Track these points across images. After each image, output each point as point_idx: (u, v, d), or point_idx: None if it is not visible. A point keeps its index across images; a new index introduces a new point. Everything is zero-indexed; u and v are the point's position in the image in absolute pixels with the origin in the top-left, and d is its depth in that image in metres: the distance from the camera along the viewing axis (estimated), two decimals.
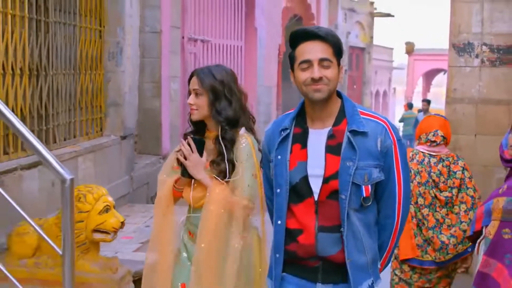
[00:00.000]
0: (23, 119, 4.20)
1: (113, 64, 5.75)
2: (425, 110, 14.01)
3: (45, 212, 4.08)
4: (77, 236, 3.42)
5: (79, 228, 3.38)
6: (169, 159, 2.75)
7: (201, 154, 2.58)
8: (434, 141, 3.52)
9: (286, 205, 2.15)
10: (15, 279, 2.98)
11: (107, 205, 3.49)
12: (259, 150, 2.50)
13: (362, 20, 19.42)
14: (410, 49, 27.48)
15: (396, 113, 26.26)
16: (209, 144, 2.59)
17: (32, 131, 4.27)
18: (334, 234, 2.09)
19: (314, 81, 2.07)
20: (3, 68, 4.05)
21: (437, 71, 27.62)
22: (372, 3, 20.33)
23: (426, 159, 3.53)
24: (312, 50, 2.09)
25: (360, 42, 19.51)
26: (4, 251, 3.62)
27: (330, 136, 2.12)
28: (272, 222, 2.31)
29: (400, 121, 16.08)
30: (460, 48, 5.01)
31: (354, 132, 2.09)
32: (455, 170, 3.48)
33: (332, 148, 2.11)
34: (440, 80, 26.04)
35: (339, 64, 2.15)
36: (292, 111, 2.23)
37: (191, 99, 2.57)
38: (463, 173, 3.47)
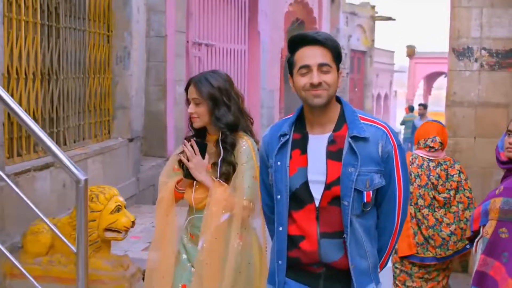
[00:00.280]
0: (35, 122, 4.32)
1: (121, 68, 5.88)
2: (421, 114, 14.06)
3: (56, 212, 4.20)
4: (90, 235, 3.52)
5: (91, 227, 3.48)
6: (170, 162, 2.81)
7: (203, 157, 2.63)
8: (433, 147, 3.76)
9: (287, 212, 2.12)
10: (31, 276, 3.11)
11: (119, 205, 3.61)
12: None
13: (363, 24, 19.50)
14: (411, 52, 27.55)
15: (397, 116, 26.33)
16: (211, 147, 2.65)
17: None
18: (336, 240, 2.08)
19: (313, 86, 2.05)
20: (17, 73, 4.17)
21: (438, 74, 27.66)
22: (373, 7, 20.39)
23: (425, 163, 3.76)
24: (311, 55, 2.06)
25: (362, 46, 19.58)
26: (19, 249, 3.72)
27: (331, 142, 2.10)
28: (268, 227, 2.35)
29: (401, 124, 16.14)
30: (460, 52, 5.09)
31: (355, 138, 2.07)
32: (452, 174, 3.72)
33: (333, 154, 2.09)
34: (441, 83, 26.08)
35: (338, 69, 2.12)
36: (290, 116, 2.21)
37: (191, 108, 2.62)
38: (459, 176, 3.72)
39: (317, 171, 2.09)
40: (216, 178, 2.61)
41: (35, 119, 4.42)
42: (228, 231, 2.60)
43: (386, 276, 2.52)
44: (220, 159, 2.61)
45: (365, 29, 19.65)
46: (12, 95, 4.01)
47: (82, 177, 2.96)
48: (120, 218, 3.56)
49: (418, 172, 3.73)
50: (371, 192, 2.08)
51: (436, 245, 3.69)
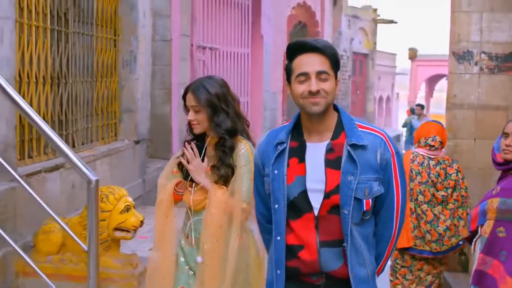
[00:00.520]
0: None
1: (127, 72, 5.99)
2: (419, 114, 14.15)
3: (65, 213, 4.30)
4: (100, 234, 3.60)
5: (101, 226, 3.57)
6: (169, 164, 2.86)
7: (202, 160, 2.70)
8: (433, 146, 3.96)
9: (285, 221, 2.09)
10: (43, 274, 3.20)
11: (128, 205, 3.71)
12: None
13: (365, 27, 19.59)
14: (413, 54, 27.66)
15: (399, 118, 26.39)
16: (210, 151, 2.71)
17: None
18: (336, 249, 2.07)
19: (312, 94, 2.03)
20: (28, 77, 4.28)
21: (439, 76, 27.71)
22: (375, 10, 20.48)
23: (426, 161, 3.94)
24: (310, 63, 2.05)
25: (364, 48, 19.67)
26: (31, 248, 3.82)
27: (329, 150, 2.08)
28: (262, 236, 2.34)
29: (403, 126, 16.20)
30: (460, 56, 5.15)
31: (354, 146, 2.05)
32: (450, 172, 3.92)
33: (332, 162, 2.07)
34: (443, 85, 26.12)
35: (336, 77, 2.10)
36: (286, 124, 2.19)
37: (191, 115, 2.67)
38: (457, 175, 3.93)
39: (315, 180, 2.06)
40: (215, 180, 2.67)
41: (45, 121, 4.51)
42: (228, 232, 2.65)
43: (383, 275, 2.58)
44: (219, 162, 2.66)
45: (367, 32, 19.74)
46: (23, 99, 4.12)
47: (93, 177, 3.06)
48: (129, 218, 3.67)
49: (419, 170, 3.91)
50: (370, 200, 2.07)
51: (433, 240, 3.89)
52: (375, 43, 20.45)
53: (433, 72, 27.81)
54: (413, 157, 3.96)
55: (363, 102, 20.08)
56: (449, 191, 3.90)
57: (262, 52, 10.75)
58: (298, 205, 2.08)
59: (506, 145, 3.09)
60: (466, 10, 5.14)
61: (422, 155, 3.96)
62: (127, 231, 3.68)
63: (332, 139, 2.10)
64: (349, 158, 2.05)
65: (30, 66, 4.30)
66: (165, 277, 2.79)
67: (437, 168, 3.91)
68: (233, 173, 2.65)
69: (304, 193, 2.07)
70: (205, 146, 2.73)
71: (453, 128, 5.11)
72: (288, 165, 2.10)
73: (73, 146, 4.99)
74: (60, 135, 4.78)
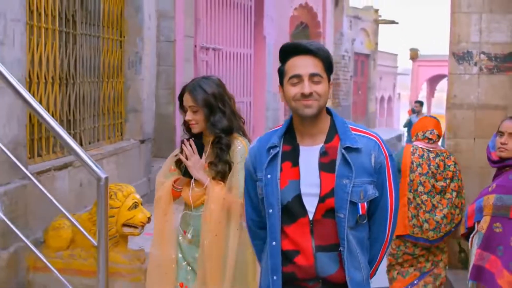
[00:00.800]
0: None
1: (133, 73, 6.10)
2: (418, 111, 14.11)
3: (73, 210, 4.39)
4: (109, 230, 3.72)
5: (110, 222, 3.66)
6: (167, 163, 2.93)
7: (200, 156, 2.76)
8: (431, 139, 4.19)
9: (280, 226, 2.07)
10: (54, 269, 3.30)
11: (136, 202, 3.81)
12: None
13: (367, 27, 19.65)
14: (414, 55, 27.71)
15: (400, 118, 26.44)
16: (207, 148, 2.78)
17: None
18: (332, 253, 2.05)
19: (304, 96, 2.01)
20: (38, 77, 4.39)
21: (441, 76, 27.73)
22: (376, 11, 20.54)
23: (425, 154, 4.17)
24: (303, 65, 2.02)
25: (365, 49, 19.73)
26: (41, 244, 3.91)
27: (323, 153, 2.06)
28: (253, 243, 2.29)
29: (404, 126, 16.25)
30: (460, 56, 5.21)
31: (348, 149, 2.03)
32: (448, 164, 4.15)
33: (326, 166, 2.04)
34: (444, 86, 26.12)
35: (329, 80, 2.07)
36: (278, 127, 2.15)
37: (189, 115, 2.73)
38: (455, 166, 4.16)
39: (310, 184, 2.04)
40: (213, 176, 2.74)
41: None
42: (227, 228, 2.72)
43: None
44: (216, 158, 2.73)
45: (369, 32, 19.80)
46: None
47: (103, 175, 3.15)
48: (137, 214, 3.76)
49: (419, 162, 4.14)
50: (365, 203, 2.05)
51: (430, 229, 4.10)
52: (376, 44, 20.51)
53: (435, 72, 27.84)
54: (413, 150, 4.18)
55: (364, 102, 20.15)
56: (447, 181, 4.13)
57: (265, 53, 10.83)
58: (292, 209, 2.05)
59: (501, 143, 3.18)
60: (465, 11, 5.20)
61: (421, 148, 4.18)
62: (135, 227, 3.77)
63: (325, 142, 2.07)
64: (344, 161, 2.03)
65: (39, 67, 4.40)
66: (167, 273, 2.85)
67: (437, 160, 4.15)
68: (230, 169, 2.71)
69: (299, 197, 2.05)
70: (203, 144, 2.80)
71: (453, 127, 5.16)
72: (281, 169, 2.07)
73: (81, 145, 5.08)
74: (68, 134, 4.87)
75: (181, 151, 2.79)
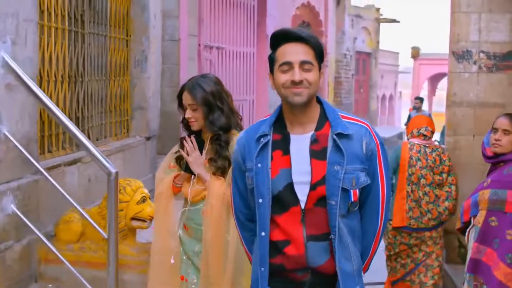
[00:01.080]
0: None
1: (139, 71, 6.22)
2: (418, 108, 14.04)
3: (82, 205, 4.49)
4: (118, 223, 3.84)
5: (119, 216, 3.76)
6: (166, 159, 2.98)
7: (200, 153, 2.82)
8: (426, 135, 4.43)
9: (269, 216, 2.02)
10: (66, 261, 3.42)
11: (144, 196, 3.93)
12: None
13: (368, 26, 19.73)
14: (415, 53, 27.78)
15: (402, 117, 26.51)
16: (207, 145, 2.84)
17: None
18: (323, 243, 2.01)
19: (294, 84, 1.97)
20: (48, 76, 4.51)
21: (442, 75, 27.76)
22: (378, 9, 20.61)
23: (422, 149, 4.39)
24: (294, 52, 1.99)
25: (367, 47, 19.82)
26: (52, 237, 4.01)
27: (314, 141, 2.02)
28: (242, 235, 2.24)
29: (405, 124, 16.33)
30: (459, 55, 5.27)
31: (339, 135, 2.00)
32: (444, 159, 4.38)
33: (317, 153, 2.01)
34: (445, 84, 26.17)
35: (320, 68, 2.04)
36: (268, 117, 2.12)
37: (189, 113, 2.78)
38: (450, 161, 4.39)
39: (301, 172, 2.00)
40: (213, 172, 2.79)
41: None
42: (227, 222, 2.76)
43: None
44: (216, 154, 2.78)
45: (370, 31, 19.88)
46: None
47: (113, 170, 3.28)
48: (145, 208, 3.87)
49: (418, 156, 4.35)
50: (357, 190, 2.02)
51: (432, 218, 4.33)
52: (378, 42, 20.58)
53: (436, 71, 27.90)
54: (411, 146, 4.40)
55: (366, 101, 20.24)
56: (444, 175, 4.36)
57: (267, 51, 10.87)
58: (284, 198, 2.01)
59: (495, 140, 3.28)
60: (465, 11, 5.26)
61: (418, 144, 4.42)
62: (143, 220, 3.88)
63: (316, 130, 2.04)
64: (335, 148, 2.00)
65: (49, 65, 4.51)
66: (169, 267, 2.91)
67: (433, 155, 4.39)
68: (229, 164, 2.73)
69: (290, 186, 2.00)
70: (203, 140, 2.87)
71: (453, 125, 5.22)
72: (272, 158, 2.03)
73: None
74: (80, 131, 4.98)
75: (182, 148, 2.85)
